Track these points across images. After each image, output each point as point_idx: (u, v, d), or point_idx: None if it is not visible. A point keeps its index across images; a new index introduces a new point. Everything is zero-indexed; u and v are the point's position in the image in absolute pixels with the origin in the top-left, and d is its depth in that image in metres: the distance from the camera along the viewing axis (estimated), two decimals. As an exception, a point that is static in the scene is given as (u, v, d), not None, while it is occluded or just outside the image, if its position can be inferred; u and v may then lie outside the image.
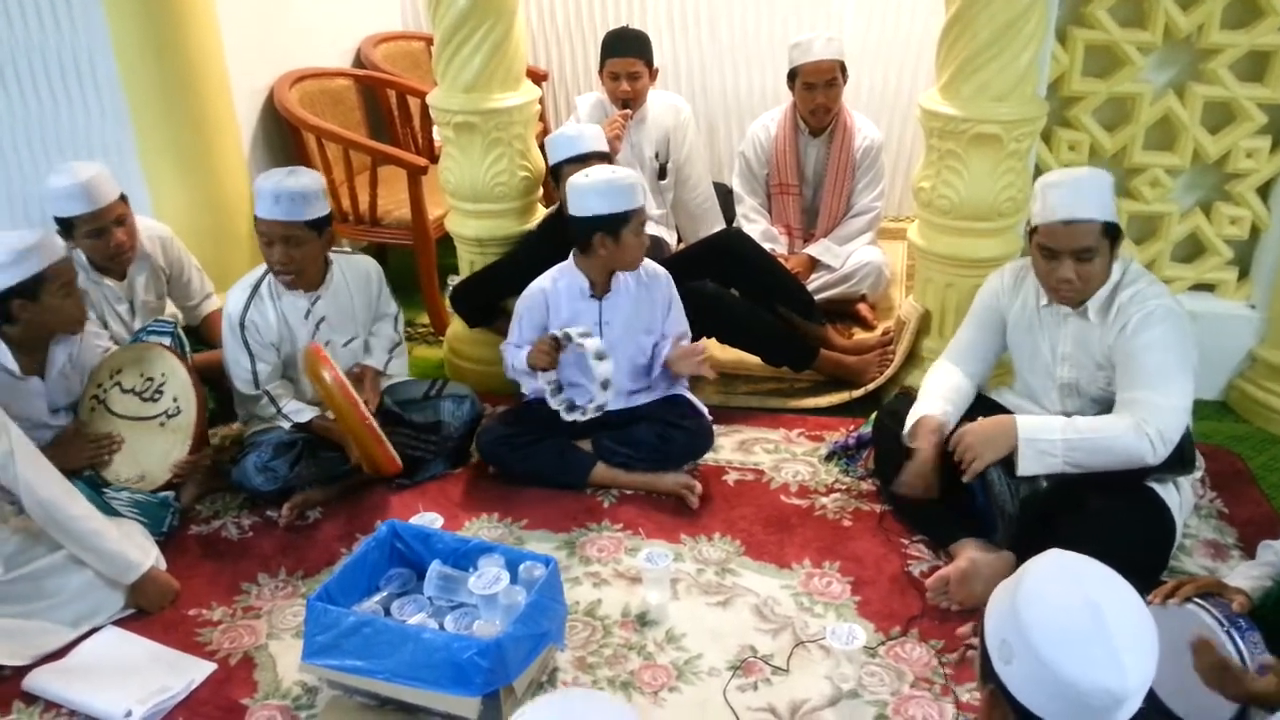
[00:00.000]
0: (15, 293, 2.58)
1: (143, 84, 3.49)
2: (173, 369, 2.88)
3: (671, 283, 3.05)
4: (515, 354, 2.96)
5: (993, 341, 2.74)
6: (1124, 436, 2.35)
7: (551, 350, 2.82)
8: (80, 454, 2.78)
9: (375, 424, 2.79)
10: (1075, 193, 2.38)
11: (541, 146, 3.43)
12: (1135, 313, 2.41)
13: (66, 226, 2.99)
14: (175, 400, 2.86)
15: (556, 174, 3.19)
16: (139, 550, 2.55)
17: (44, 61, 3.70)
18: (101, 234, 2.99)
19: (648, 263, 3.02)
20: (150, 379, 2.88)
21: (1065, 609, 1.30)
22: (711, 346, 3.48)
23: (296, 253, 2.83)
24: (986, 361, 2.78)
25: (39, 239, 2.60)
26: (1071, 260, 2.40)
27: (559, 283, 2.96)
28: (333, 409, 2.80)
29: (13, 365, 2.63)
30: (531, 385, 2.97)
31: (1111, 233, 2.40)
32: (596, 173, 2.83)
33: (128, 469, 2.84)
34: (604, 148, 3.19)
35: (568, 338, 2.78)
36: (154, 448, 2.85)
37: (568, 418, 2.87)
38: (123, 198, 3.06)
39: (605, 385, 2.75)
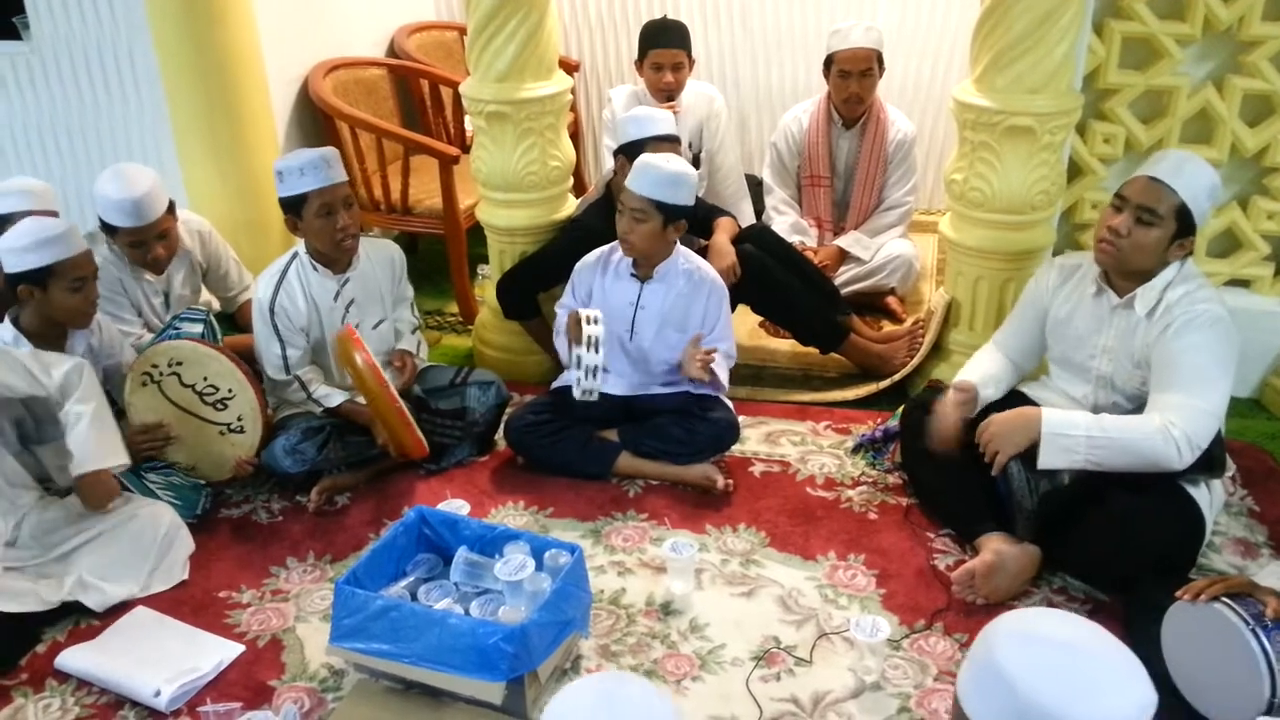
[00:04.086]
0: (25, 278, 2.62)
1: (181, 76, 3.53)
2: (242, 388, 2.88)
3: (725, 299, 3.04)
4: (560, 317, 3.03)
5: (1035, 333, 2.72)
6: (1150, 439, 2.32)
7: (576, 326, 2.85)
8: (131, 449, 2.79)
9: (405, 408, 2.82)
10: (1178, 165, 2.39)
11: (575, 136, 3.43)
12: (1180, 315, 2.38)
13: (110, 230, 3.03)
14: (240, 420, 2.89)
15: (627, 154, 3.11)
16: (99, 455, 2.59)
17: (84, 55, 3.76)
18: (141, 245, 3.04)
19: (706, 267, 3.04)
20: (215, 387, 2.89)
21: (1054, 667, 1.24)
22: (739, 330, 3.47)
23: (355, 214, 2.91)
24: (1030, 351, 2.76)
25: (59, 232, 2.63)
26: (1131, 215, 2.38)
27: (616, 252, 3.01)
28: (363, 392, 2.82)
29: None
30: (563, 354, 3.03)
31: (1182, 219, 2.36)
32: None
33: (180, 455, 2.90)
34: (675, 132, 3.20)
35: (587, 320, 2.82)
36: (211, 448, 2.90)
37: (575, 393, 2.87)
38: (170, 208, 3.09)
39: (591, 373, 2.79)
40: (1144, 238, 2.38)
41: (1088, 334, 2.57)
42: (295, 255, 2.95)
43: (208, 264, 3.36)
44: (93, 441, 2.57)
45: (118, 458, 2.63)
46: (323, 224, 2.84)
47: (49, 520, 2.58)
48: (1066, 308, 2.62)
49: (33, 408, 2.64)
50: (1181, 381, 2.35)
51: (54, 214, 3.00)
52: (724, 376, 2.97)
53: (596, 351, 2.78)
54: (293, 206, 2.85)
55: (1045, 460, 2.40)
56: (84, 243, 2.71)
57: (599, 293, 3.02)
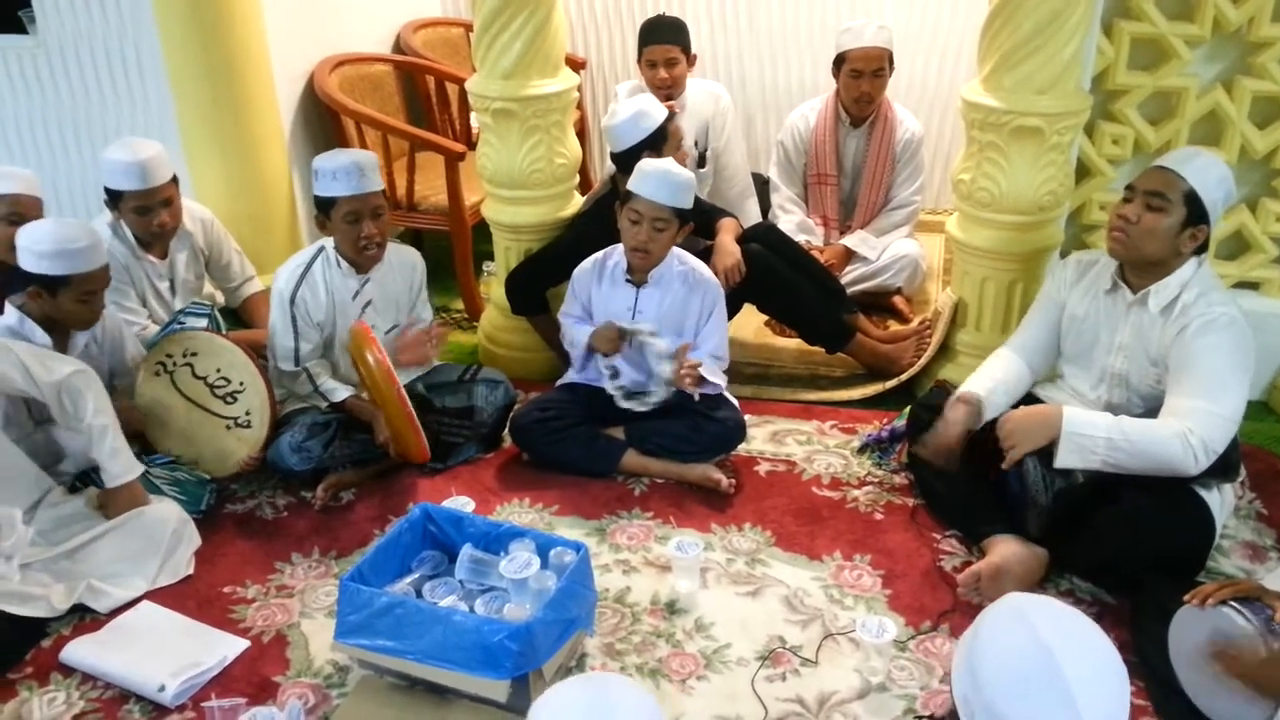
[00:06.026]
0: (37, 280, 2.63)
1: (187, 70, 3.53)
2: (253, 381, 2.89)
3: (721, 298, 3.05)
4: (575, 330, 3.03)
5: (1052, 331, 2.70)
6: (1168, 444, 2.30)
7: (616, 340, 2.90)
8: (129, 424, 2.81)
9: (413, 411, 2.82)
10: (1188, 155, 2.44)
11: (581, 134, 3.42)
12: (1197, 317, 2.37)
13: (114, 197, 3.05)
14: (249, 414, 2.90)
15: (631, 157, 3.09)
16: (130, 466, 2.66)
17: (90, 49, 3.76)
18: (147, 212, 3.07)
19: (701, 267, 3.03)
20: (226, 379, 2.90)
21: (1017, 657, 1.27)
22: (744, 328, 3.48)
23: (383, 224, 2.93)
24: (1046, 351, 2.73)
25: (82, 245, 2.63)
26: (1141, 203, 2.39)
27: (610, 258, 3.02)
28: (373, 391, 2.82)
29: (45, 341, 2.67)
30: (579, 361, 3.05)
31: (1191, 205, 2.35)
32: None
33: (183, 448, 2.90)
34: (661, 118, 3.19)
35: (636, 334, 2.88)
36: (216, 443, 2.91)
37: (624, 404, 2.91)
38: (174, 180, 3.13)
39: (668, 384, 2.85)
40: (1154, 223, 2.37)
41: (1102, 331, 2.56)
42: (321, 249, 2.97)
43: (210, 251, 3.37)
44: (122, 455, 2.64)
45: (139, 465, 2.70)
46: (348, 229, 2.87)
47: (59, 516, 2.59)
48: (1083, 304, 2.60)
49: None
50: (1198, 386, 2.34)
51: (38, 200, 3.05)
52: (716, 378, 2.96)
53: (668, 361, 2.84)
54: (323, 206, 2.88)
55: (1062, 459, 2.39)
56: (104, 256, 2.71)
57: (597, 299, 3.03)
